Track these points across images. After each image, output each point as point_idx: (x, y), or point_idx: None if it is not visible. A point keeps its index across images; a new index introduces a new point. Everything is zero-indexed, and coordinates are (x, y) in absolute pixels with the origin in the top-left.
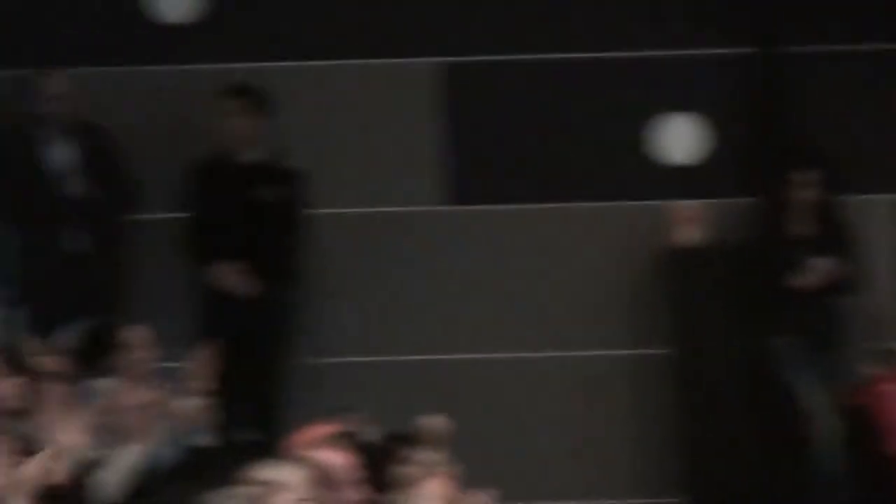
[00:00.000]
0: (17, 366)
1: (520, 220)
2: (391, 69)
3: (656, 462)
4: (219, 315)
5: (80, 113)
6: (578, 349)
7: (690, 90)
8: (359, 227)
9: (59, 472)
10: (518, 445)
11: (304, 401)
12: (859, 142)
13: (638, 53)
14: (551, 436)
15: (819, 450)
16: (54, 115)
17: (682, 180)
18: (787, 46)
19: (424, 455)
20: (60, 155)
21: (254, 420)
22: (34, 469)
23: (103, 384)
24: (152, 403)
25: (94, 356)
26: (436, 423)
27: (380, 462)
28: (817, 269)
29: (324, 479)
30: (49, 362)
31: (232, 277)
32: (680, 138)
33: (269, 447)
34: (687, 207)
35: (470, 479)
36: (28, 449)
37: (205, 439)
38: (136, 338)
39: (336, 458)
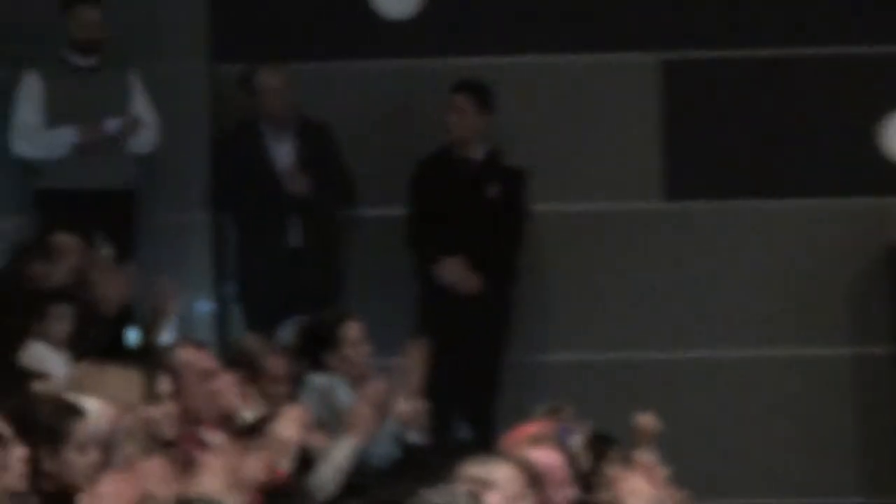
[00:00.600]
0: (237, 362)
1: (736, 217)
2: (608, 64)
3: (887, 460)
4: (436, 311)
5: (299, 108)
6: (797, 347)
7: None
8: (574, 224)
9: (280, 468)
10: (732, 444)
11: (518, 399)
12: None
13: (864, 49)
14: (768, 433)
15: None
16: (272, 110)
17: None
18: None
19: (634, 453)
20: (282, 151)
21: (468, 418)
22: (255, 465)
23: (320, 380)
24: (370, 400)
25: (311, 352)
26: (645, 421)
27: (588, 461)
28: None
29: (534, 478)
30: (269, 358)
31: (456, 273)
32: None
33: (482, 445)
34: None
35: (682, 478)
36: (248, 445)
37: (419, 437)
38: (353, 334)
39: (547, 457)
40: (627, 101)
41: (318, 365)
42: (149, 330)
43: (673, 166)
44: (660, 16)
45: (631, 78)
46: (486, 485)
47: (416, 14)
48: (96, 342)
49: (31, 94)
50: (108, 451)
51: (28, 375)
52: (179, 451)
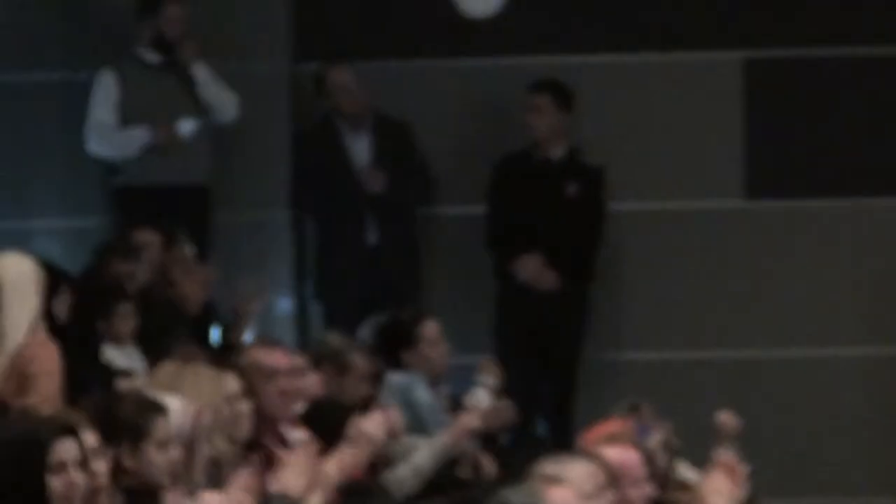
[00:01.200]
0: (321, 360)
1: (816, 216)
2: (691, 63)
3: None
4: (514, 310)
5: (374, 106)
6: (876, 347)
7: None
8: (654, 222)
9: (359, 467)
10: (808, 442)
11: (596, 397)
12: None
13: None
14: (845, 432)
15: None
16: (344, 108)
17: None
18: None
19: (713, 451)
20: (360, 149)
21: (547, 415)
22: (335, 464)
23: (398, 379)
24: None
25: (389, 351)
26: (725, 419)
27: (665, 459)
28: None
29: (611, 476)
30: (354, 355)
31: (533, 270)
32: None
33: (560, 443)
34: None
35: (758, 476)
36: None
37: (500, 435)
38: (431, 332)
39: (623, 455)
40: (709, 99)
41: (396, 363)
42: (232, 329)
43: (754, 165)
44: (742, 14)
45: (713, 76)
46: (561, 482)
47: (497, 13)
48: (179, 341)
49: (105, 94)
50: (190, 449)
51: (114, 374)
52: (261, 449)
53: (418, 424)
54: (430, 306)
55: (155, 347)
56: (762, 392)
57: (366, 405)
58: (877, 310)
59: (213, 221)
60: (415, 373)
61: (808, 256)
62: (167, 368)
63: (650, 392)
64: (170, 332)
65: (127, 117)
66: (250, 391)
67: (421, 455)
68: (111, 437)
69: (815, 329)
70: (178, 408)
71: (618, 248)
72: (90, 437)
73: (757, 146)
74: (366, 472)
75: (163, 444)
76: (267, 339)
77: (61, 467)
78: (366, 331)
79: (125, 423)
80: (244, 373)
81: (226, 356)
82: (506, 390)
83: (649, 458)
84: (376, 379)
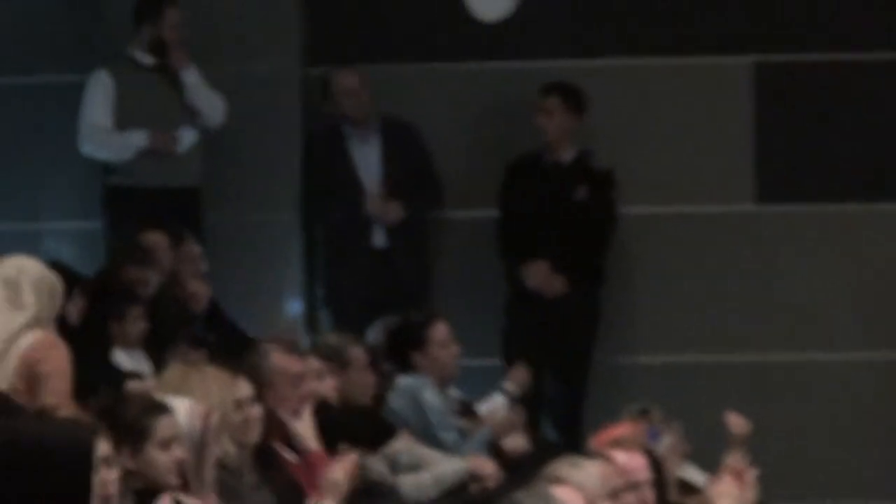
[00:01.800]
0: (322, 358)
1: (827, 220)
2: (701, 67)
3: None
4: (524, 313)
5: (381, 110)
6: (887, 351)
7: None
8: (664, 226)
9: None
10: (821, 447)
11: (606, 401)
12: None
13: None
14: (858, 436)
15: None
16: (349, 111)
17: None
18: None
19: (722, 455)
20: (367, 153)
21: (556, 419)
22: (343, 470)
23: (407, 381)
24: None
25: (399, 353)
26: (735, 423)
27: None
28: None
29: (619, 480)
30: (349, 350)
31: (540, 276)
32: None
33: (570, 447)
34: None
35: (770, 480)
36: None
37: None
38: (440, 335)
39: (631, 459)
40: (719, 103)
41: (405, 366)
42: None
43: (764, 169)
44: (752, 18)
45: (723, 80)
46: (569, 485)
47: (508, 17)
48: (185, 341)
49: (99, 95)
50: (199, 450)
51: (124, 377)
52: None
53: (426, 427)
54: (439, 310)
55: (162, 349)
56: (773, 396)
57: (375, 407)
58: (888, 313)
59: (215, 223)
60: (424, 375)
61: (819, 261)
62: (174, 371)
63: (660, 396)
64: (177, 332)
65: (121, 119)
66: (261, 393)
67: (444, 468)
68: (115, 438)
69: (827, 333)
70: (185, 408)
71: (628, 251)
72: (104, 444)
73: (768, 151)
74: (380, 476)
75: (165, 444)
76: (284, 341)
77: (101, 466)
78: (375, 332)
79: (128, 424)
80: (259, 374)
81: (235, 358)
82: (517, 394)
83: (658, 463)
84: (384, 380)
